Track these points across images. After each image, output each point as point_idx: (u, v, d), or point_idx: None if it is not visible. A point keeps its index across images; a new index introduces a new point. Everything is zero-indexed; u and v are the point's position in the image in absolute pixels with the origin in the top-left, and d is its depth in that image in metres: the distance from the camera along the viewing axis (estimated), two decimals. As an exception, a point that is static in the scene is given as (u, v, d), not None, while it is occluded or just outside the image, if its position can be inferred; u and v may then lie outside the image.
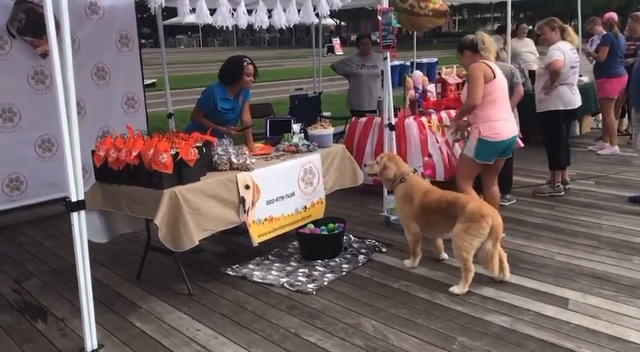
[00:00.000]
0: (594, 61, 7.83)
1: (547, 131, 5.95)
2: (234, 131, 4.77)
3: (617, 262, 4.17)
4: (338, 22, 52.54)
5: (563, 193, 5.92)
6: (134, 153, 3.67)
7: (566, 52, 5.70)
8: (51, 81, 5.39)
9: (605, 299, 3.61)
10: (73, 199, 2.99)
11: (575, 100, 5.87)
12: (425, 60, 17.82)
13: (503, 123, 4.38)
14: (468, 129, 4.55)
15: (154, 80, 14.69)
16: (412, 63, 12.39)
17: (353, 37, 51.12)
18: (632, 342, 3.10)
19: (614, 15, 8.06)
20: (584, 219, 5.14)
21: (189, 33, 49.28)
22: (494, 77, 4.32)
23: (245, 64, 4.63)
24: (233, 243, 4.86)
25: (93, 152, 3.92)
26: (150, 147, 3.64)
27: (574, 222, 5.10)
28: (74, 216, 3.01)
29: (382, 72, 5.52)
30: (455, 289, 3.78)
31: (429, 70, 16.68)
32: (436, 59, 19.11)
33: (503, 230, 3.87)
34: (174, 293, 3.98)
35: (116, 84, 6.35)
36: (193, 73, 22.03)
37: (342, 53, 31.34)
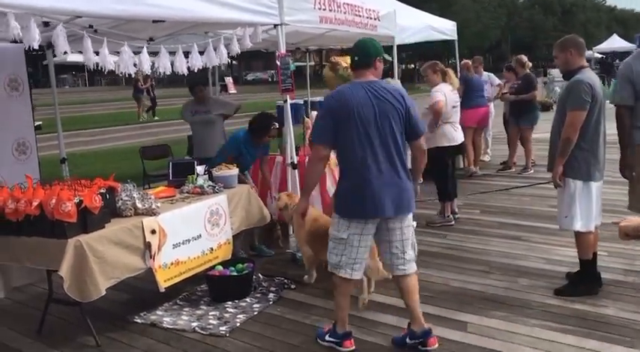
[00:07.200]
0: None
1: (435, 166, 6.37)
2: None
3: (507, 285, 4.55)
4: (230, 61, 52.88)
5: (453, 223, 6.36)
6: (35, 203, 3.55)
7: (447, 93, 6.20)
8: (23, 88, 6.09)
9: (499, 320, 3.93)
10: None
11: (458, 137, 6.40)
12: (318, 98, 18.28)
13: None
14: None
15: (40, 122, 13.96)
16: (305, 101, 12.70)
17: (246, 76, 51.72)
18: (525, 357, 3.40)
19: (468, 62, 9.39)
20: (473, 246, 5.55)
21: (74, 72, 46.78)
22: None
23: (272, 127, 5.52)
24: (137, 289, 4.73)
25: (-15, 204, 3.73)
26: (52, 196, 3.54)
27: (466, 249, 5.50)
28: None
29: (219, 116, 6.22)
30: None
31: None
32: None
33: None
34: (80, 346, 3.83)
35: (6, 129, 6.04)
36: (82, 114, 21.12)
37: (235, 92, 31.50)
